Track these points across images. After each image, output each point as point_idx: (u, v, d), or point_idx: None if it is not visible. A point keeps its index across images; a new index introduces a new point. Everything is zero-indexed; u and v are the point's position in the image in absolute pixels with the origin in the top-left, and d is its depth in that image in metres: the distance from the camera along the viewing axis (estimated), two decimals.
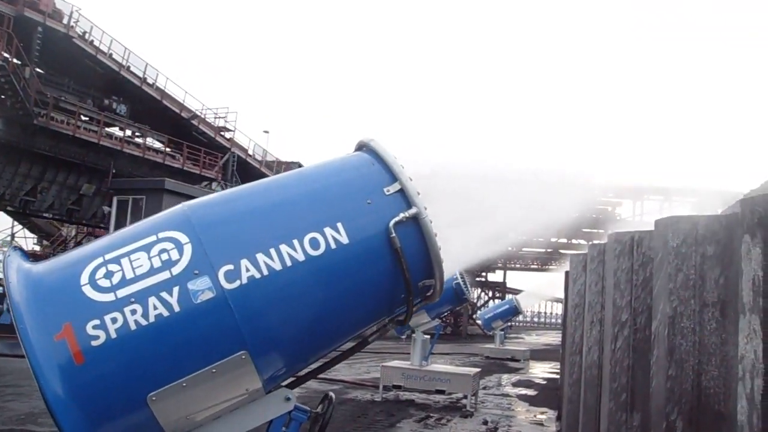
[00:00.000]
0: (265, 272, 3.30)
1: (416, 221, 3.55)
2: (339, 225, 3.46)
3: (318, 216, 3.49)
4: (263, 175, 52.31)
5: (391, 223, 3.49)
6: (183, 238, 3.33)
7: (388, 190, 3.60)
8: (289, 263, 3.34)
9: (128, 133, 44.42)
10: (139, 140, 44.77)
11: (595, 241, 8.19)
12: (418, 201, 3.57)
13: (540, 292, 46.30)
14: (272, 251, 3.33)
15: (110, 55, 41.84)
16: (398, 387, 15.21)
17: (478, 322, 45.75)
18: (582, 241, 48.81)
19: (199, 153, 46.19)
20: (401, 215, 3.52)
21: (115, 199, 32.23)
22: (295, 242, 3.38)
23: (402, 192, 3.59)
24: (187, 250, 3.30)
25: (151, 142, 46.05)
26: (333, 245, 3.42)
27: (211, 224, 3.44)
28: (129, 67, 43.35)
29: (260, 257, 3.31)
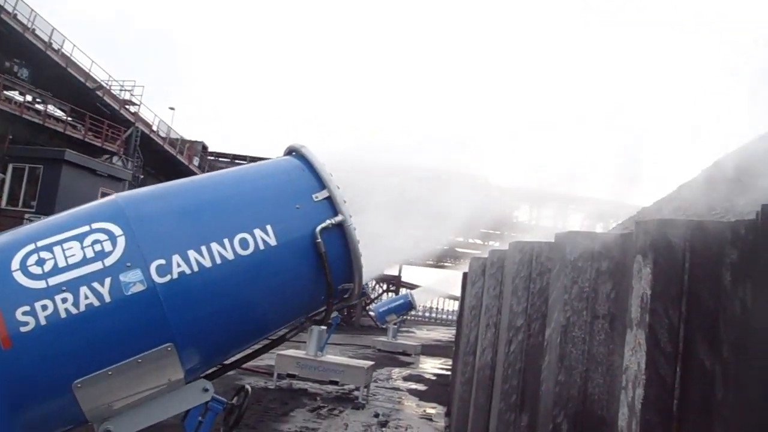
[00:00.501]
0: (196, 268, 3.37)
1: (341, 228, 3.71)
2: (268, 227, 3.57)
3: (249, 217, 3.59)
4: (166, 152, 51.23)
5: (318, 228, 3.63)
6: (117, 230, 3.37)
7: (316, 197, 3.73)
8: (219, 261, 3.43)
9: (29, 98, 42.56)
10: (40, 107, 43.01)
11: (495, 247, 8.48)
12: (345, 209, 3.73)
13: (435, 288, 46.90)
14: (203, 248, 3.42)
15: (14, 15, 40.06)
16: (292, 376, 15.26)
17: (372, 314, 46.13)
18: (478, 241, 49.51)
19: (102, 125, 44.62)
20: (328, 222, 3.67)
21: (10, 167, 30.94)
22: (226, 241, 3.47)
23: (329, 199, 3.73)
24: (121, 242, 3.34)
25: (53, 110, 44.34)
26: (262, 246, 3.53)
27: (146, 218, 3.48)
28: (34, 30, 41.53)
29: (191, 254, 3.38)
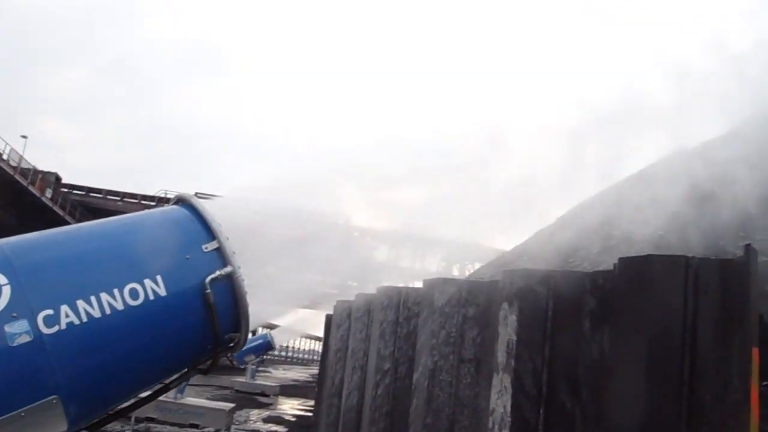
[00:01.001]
0: (84, 319, 3.27)
1: (230, 279, 3.71)
2: (158, 277, 3.52)
3: (139, 267, 3.53)
4: (16, 182, 48.66)
5: (208, 279, 3.62)
6: (1, 279, 3.24)
7: (206, 248, 3.73)
8: (108, 311, 3.35)
9: None
10: None
11: (354, 288, 8.59)
12: (234, 260, 3.73)
13: (294, 328, 46.56)
14: (93, 298, 3.32)
15: None
16: (151, 420, 14.74)
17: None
18: (338, 282, 49.28)
19: None
20: (217, 272, 3.67)
21: None
22: (116, 291, 3.39)
23: (219, 250, 3.74)
24: (6, 291, 3.20)
25: None
26: (151, 296, 3.47)
27: (33, 268, 3.36)
28: None
29: (80, 304, 3.28)
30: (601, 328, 3.78)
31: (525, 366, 4.01)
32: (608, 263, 7.68)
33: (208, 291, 3.62)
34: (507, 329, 4.13)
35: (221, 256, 3.75)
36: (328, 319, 11.03)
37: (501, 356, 4.16)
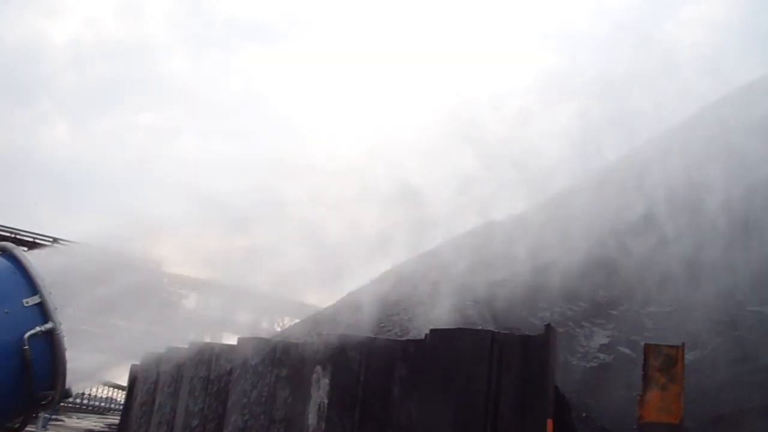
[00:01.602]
0: None
1: (50, 336, 3.54)
2: None
3: None
4: None
5: (26, 335, 3.44)
6: None
7: (27, 302, 3.52)
8: None
9: None
10: None
11: (173, 345, 8.31)
12: (55, 316, 3.56)
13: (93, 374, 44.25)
14: None
15: None
16: None
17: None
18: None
19: None
20: (37, 329, 3.49)
21: None
22: None
23: (41, 305, 3.57)
24: None
25: None
26: None
27: None
28: None
29: None
30: (410, 395, 3.91)
31: (335, 429, 4.07)
32: (419, 331, 7.84)
33: (26, 347, 3.46)
34: (319, 392, 4.18)
35: (43, 312, 3.59)
36: (135, 370, 10.61)
37: (312, 418, 4.20)
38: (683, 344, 5.05)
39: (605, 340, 19.83)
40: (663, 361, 4.57)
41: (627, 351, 16.69)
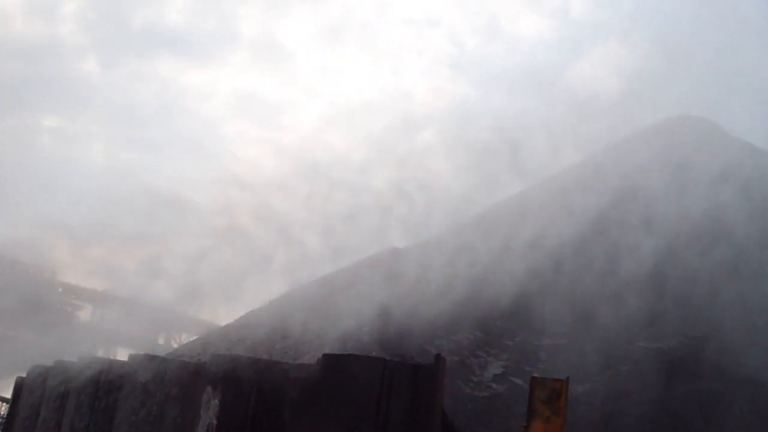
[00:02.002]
0: None
1: None
2: None
3: None
4: None
5: None
6: None
7: None
8: None
9: None
10: None
11: (59, 359, 8.02)
12: None
13: None
14: None
15: None
16: None
17: None
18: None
19: None
20: None
21: None
22: None
23: None
24: None
25: None
26: None
27: None
28: None
29: None
30: (300, 418, 3.90)
31: None
32: (312, 354, 7.86)
33: None
34: (208, 413, 4.13)
35: None
36: (20, 382, 10.19)
37: None
38: (567, 378, 5.10)
39: (499, 371, 20.15)
40: (548, 394, 4.61)
41: (520, 382, 16.83)
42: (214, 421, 4.08)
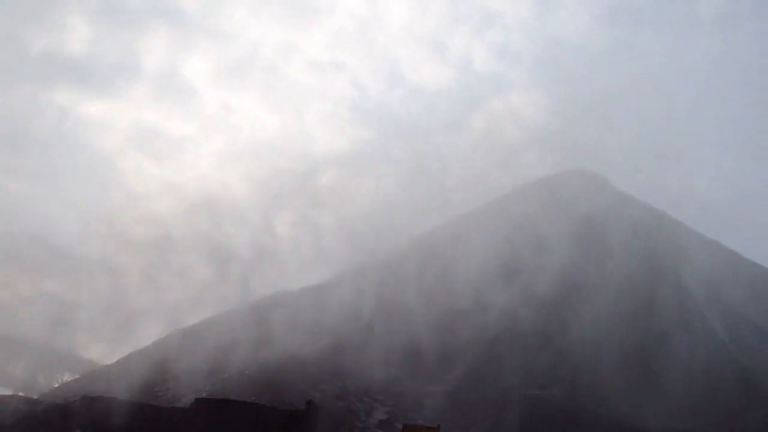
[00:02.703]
0: None
1: None
2: None
3: None
4: None
5: None
6: None
7: None
8: None
9: None
10: None
11: None
12: None
13: None
14: None
15: None
16: None
17: None
18: None
19: None
20: None
21: None
22: None
23: None
24: None
25: None
26: None
27: None
28: None
29: None
30: None
31: None
32: (189, 397, 17.28)
33: None
34: None
35: None
36: None
37: None
38: (438, 425, 9.00)
39: (384, 416, 36.19)
40: None
41: None
42: None
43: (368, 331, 40.89)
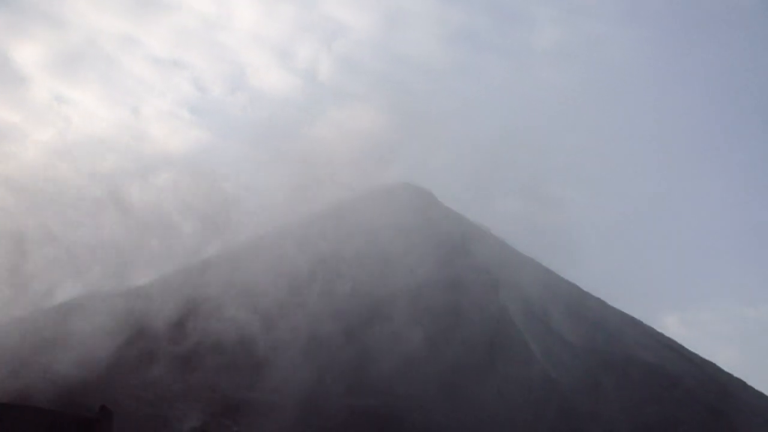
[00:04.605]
0: None
1: None
2: None
3: None
4: None
5: None
6: None
7: None
8: None
9: None
10: None
11: None
12: None
13: None
14: None
15: None
16: None
17: None
18: None
19: None
20: None
21: None
22: None
23: None
24: None
25: None
26: None
27: None
28: None
29: None
30: None
31: None
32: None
33: None
34: None
35: None
36: None
37: None
38: None
39: (197, 423, 32.77)
40: None
41: None
42: None
43: (179, 331, 38.70)
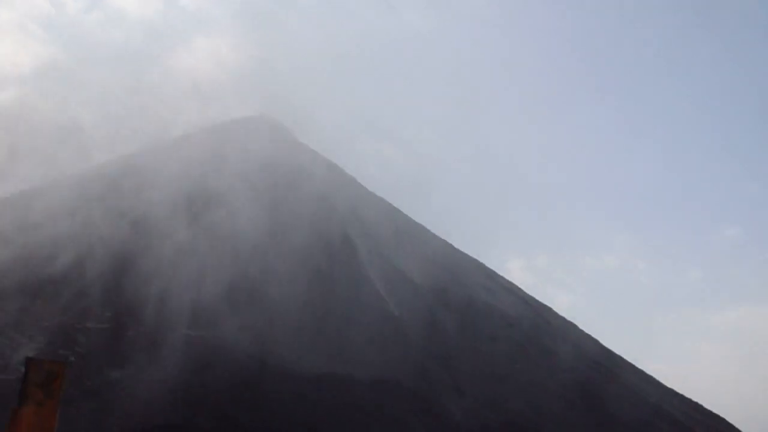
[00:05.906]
0: None
1: None
2: None
3: None
4: None
5: None
6: None
7: None
8: None
9: None
10: None
11: None
12: None
13: None
14: None
15: None
16: None
17: None
18: None
19: None
20: None
21: None
22: None
23: None
24: None
25: None
26: None
27: None
28: None
29: None
30: None
31: None
32: None
33: None
34: None
35: None
36: None
37: None
38: (63, 362, 4.86)
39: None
40: (44, 377, 4.39)
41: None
42: None
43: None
